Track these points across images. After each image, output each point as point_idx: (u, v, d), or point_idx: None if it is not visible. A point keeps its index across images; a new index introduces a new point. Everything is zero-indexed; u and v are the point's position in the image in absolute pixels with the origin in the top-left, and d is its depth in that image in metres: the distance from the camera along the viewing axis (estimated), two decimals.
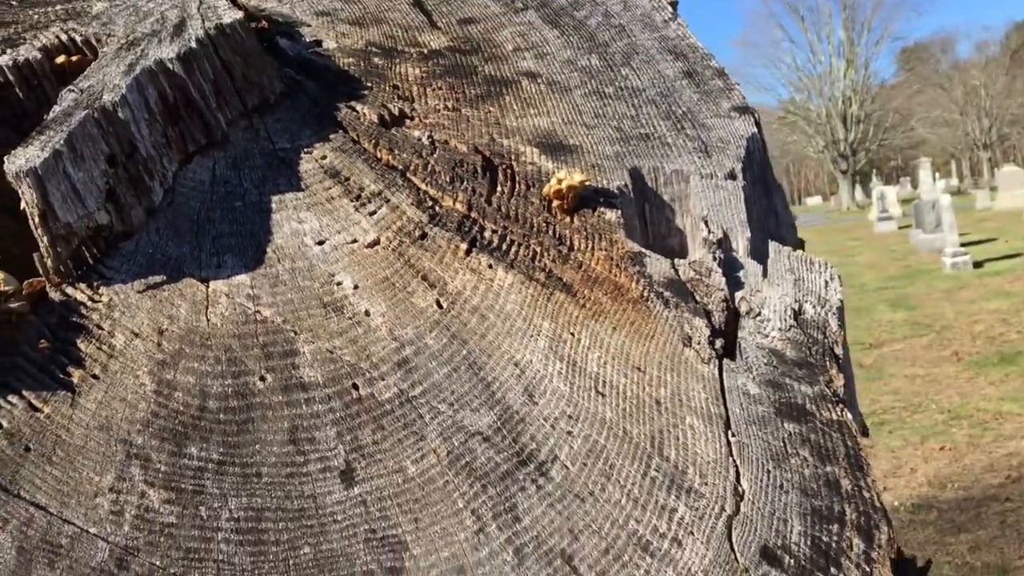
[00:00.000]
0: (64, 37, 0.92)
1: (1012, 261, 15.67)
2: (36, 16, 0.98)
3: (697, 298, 0.90)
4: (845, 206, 53.26)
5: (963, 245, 16.43)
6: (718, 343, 0.87)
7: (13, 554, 0.68)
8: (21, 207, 0.85)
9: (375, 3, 1.12)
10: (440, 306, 0.86)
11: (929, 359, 9.76)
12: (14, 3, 0.99)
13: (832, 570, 0.77)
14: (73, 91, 0.83)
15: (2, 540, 0.68)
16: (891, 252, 20.57)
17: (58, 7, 0.99)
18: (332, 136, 0.95)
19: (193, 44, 0.87)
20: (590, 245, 0.91)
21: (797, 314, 0.91)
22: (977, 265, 15.42)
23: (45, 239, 0.78)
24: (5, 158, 0.77)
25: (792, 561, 0.77)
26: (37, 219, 0.77)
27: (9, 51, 0.89)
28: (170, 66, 0.86)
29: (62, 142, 0.77)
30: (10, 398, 0.75)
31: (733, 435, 0.83)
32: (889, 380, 9.06)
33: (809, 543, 0.78)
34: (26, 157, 0.76)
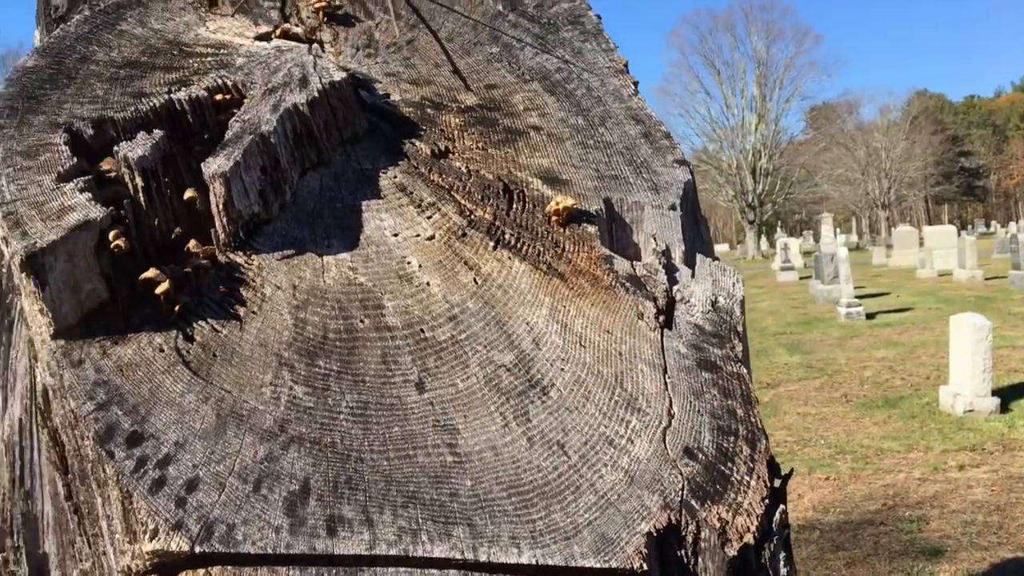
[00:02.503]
0: (219, 81, 1.29)
1: (902, 315, 16.76)
2: (196, 64, 1.35)
3: (648, 288, 1.32)
4: (751, 255, 55.18)
5: (858, 297, 17.45)
6: (661, 318, 1.30)
7: (213, 418, 1.05)
8: (185, 196, 1.22)
9: (427, 69, 1.53)
10: (476, 283, 1.26)
11: (820, 399, 10.49)
12: (175, 52, 1.36)
13: (729, 464, 1.19)
14: (238, 122, 1.21)
15: (207, 409, 1.06)
16: (791, 300, 21.65)
17: (209, 59, 1.36)
18: (400, 162, 1.35)
19: (316, 94, 1.26)
20: (577, 248, 1.33)
21: (714, 303, 1.34)
22: (870, 316, 16.44)
23: (224, 219, 1.15)
24: (202, 164, 1.14)
25: (703, 457, 1.19)
26: (221, 206, 1.15)
27: (184, 89, 1.26)
28: (301, 108, 1.25)
29: (240, 156, 1.15)
30: (200, 323, 1.13)
31: (668, 378, 1.25)
32: (783, 417, 9.72)
33: (715, 447, 1.20)
34: (218, 164, 1.14)
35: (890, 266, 30.46)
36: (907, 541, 5.98)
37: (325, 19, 1.51)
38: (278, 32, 1.41)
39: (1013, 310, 16.55)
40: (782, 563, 1.21)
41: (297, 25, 1.47)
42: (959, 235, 28.50)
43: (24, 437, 1.26)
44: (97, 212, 1.06)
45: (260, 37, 1.41)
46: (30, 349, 1.26)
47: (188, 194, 1.21)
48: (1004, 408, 9.66)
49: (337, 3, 1.55)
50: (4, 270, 1.45)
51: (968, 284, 22.22)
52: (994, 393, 9.75)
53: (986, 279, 22.57)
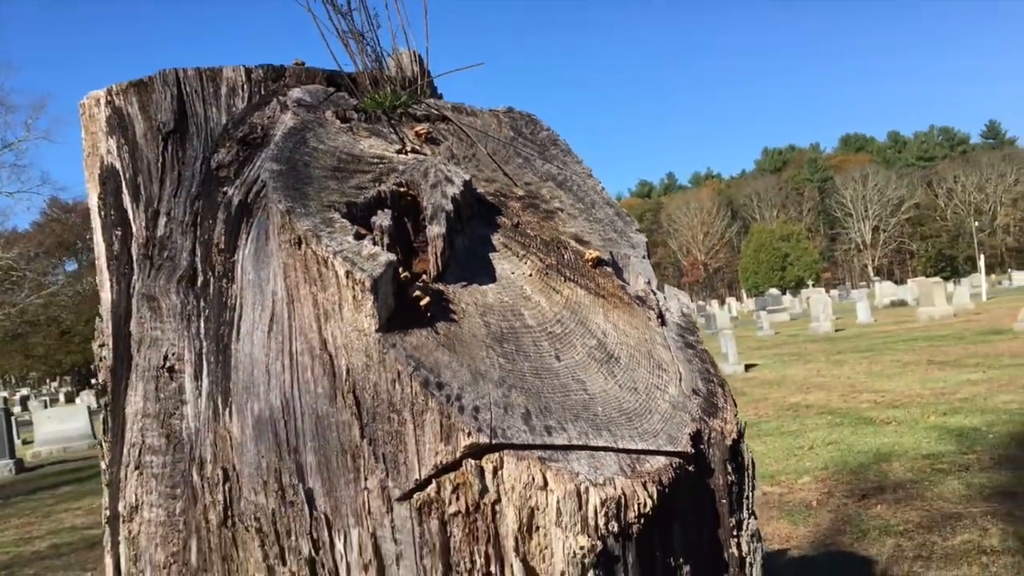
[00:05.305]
0: (399, 179, 2.00)
1: None
2: (376, 169, 2.04)
3: (648, 303, 2.20)
4: None
5: None
6: (659, 319, 2.18)
7: (469, 375, 1.77)
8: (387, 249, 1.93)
9: (489, 172, 2.32)
10: (563, 300, 2.07)
11: None
12: (358, 161, 2.04)
13: (714, 397, 2.08)
14: (428, 205, 1.94)
15: (464, 370, 1.78)
16: None
17: (381, 165, 2.06)
18: (498, 230, 2.14)
19: (462, 187, 2.03)
20: (605, 281, 2.18)
21: (682, 311, 2.25)
22: None
23: (440, 262, 1.88)
24: (427, 227, 1.87)
25: (702, 393, 2.07)
26: (439, 254, 1.88)
27: (383, 184, 1.96)
28: (457, 196, 2.01)
29: (445, 223, 1.89)
30: (437, 323, 1.84)
31: (673, 352, 2.12)
32: None
33: (706, 389, 2.09)
34: (437, 229, 1.87)
35: None
36: None
37: (424, 140, 2.27)
38: (408, 149, 2.15)
39: None
40: (747, 452, 2.12)
41: (411, 143, 2.22)
42: None
43: (286, 413, 1.87)
44: (393, 256, 1.76)
45: (398, 152, 2.15)
46: (290, 351, 1.89)
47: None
48: None
49: (430, 130, 2.31)
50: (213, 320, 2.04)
51: None
52: None
53: None
